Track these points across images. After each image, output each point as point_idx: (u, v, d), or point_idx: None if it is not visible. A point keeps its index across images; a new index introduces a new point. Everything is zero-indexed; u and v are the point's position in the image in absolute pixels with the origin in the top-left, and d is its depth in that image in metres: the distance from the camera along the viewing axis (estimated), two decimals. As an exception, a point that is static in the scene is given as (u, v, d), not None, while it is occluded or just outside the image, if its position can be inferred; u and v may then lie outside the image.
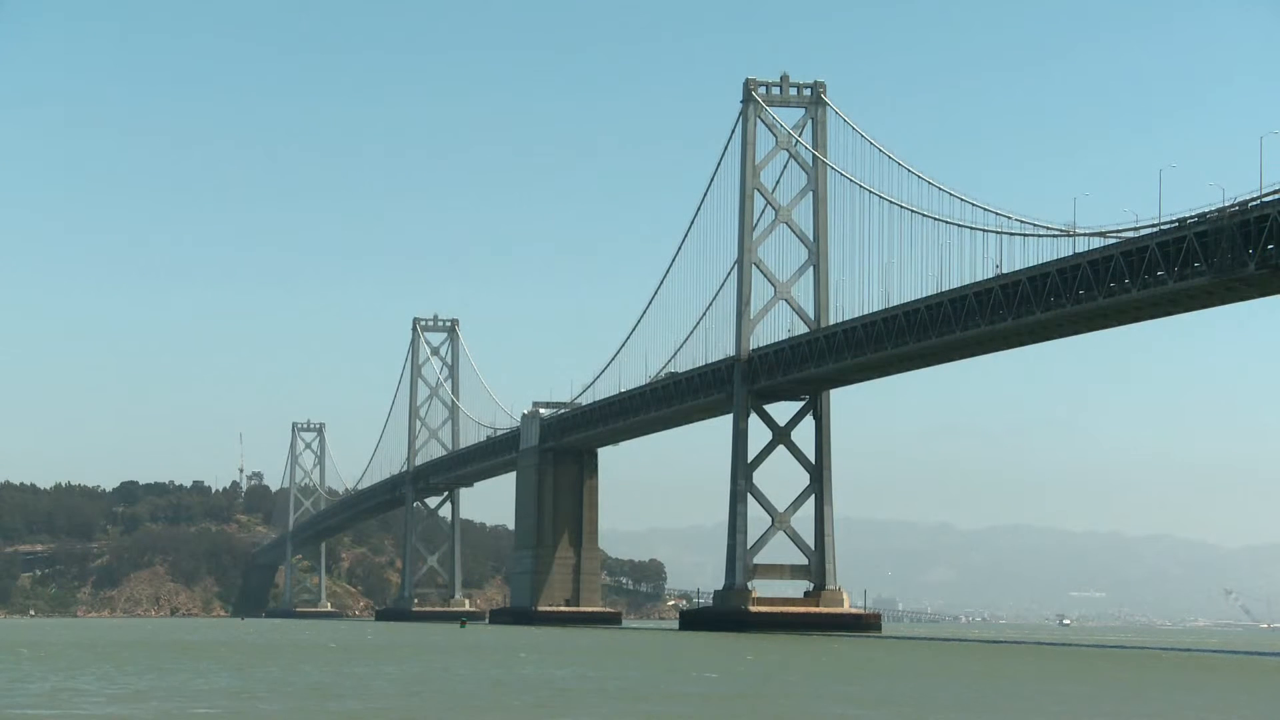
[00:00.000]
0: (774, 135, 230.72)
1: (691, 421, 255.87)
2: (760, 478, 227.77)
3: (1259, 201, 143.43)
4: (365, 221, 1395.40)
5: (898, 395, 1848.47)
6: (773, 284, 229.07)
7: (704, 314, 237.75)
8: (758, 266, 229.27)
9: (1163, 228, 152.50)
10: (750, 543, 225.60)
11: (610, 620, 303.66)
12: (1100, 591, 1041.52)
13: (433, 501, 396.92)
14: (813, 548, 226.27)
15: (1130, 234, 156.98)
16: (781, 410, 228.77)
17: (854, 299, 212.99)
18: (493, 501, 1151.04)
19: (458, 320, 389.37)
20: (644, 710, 73.30)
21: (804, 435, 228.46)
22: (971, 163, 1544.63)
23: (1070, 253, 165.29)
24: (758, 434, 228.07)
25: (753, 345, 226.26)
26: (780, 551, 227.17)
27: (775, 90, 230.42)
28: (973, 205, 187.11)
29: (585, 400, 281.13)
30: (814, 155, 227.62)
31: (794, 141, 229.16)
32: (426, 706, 74.74)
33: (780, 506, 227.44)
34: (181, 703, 75.31)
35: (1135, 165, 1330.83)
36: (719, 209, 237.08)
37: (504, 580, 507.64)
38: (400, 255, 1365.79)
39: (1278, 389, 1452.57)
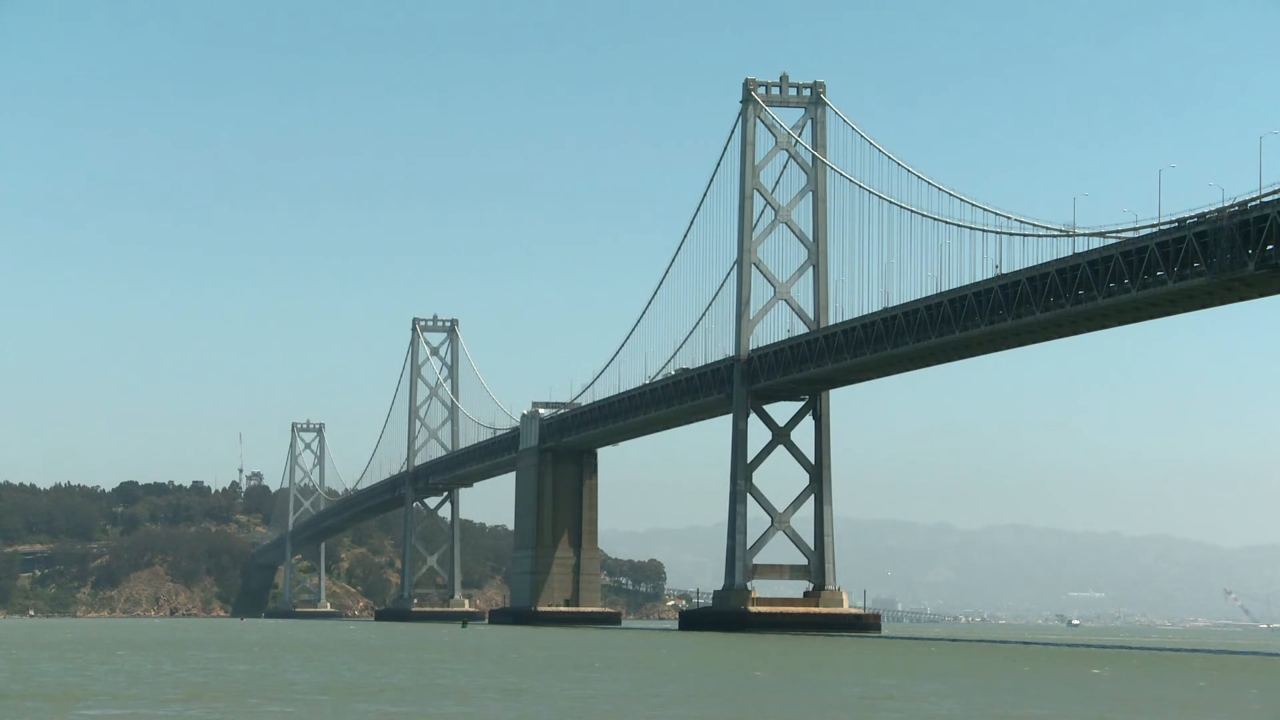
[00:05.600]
0: (774, 135, 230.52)
1: (691, 421, 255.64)
2: (760, 478, 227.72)
3: (1258, 202, 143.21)
4: (365, 221, 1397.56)
5: (898, 395, 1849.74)
6: (772, 284, 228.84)
7: (704, 314, 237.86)
8: (757, 266, 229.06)
9: (1162, 228, 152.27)
10: (750, 543, 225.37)
11: (610, 620, 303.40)
12: (1100, 591, 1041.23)
13: (432, 501, 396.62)
14: (812, 548, 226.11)
15: (1130, 234, 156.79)
16: (781, 410, 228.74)
17: (853, 299, 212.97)
18: (492, 501, 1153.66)
19: (458, 320, 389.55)
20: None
21: (804, 435, 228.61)
22: (971, 163, 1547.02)
23: (1070, 253, 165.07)
24: (757, 434, 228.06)
25: (752, 345, 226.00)
26: (780, 552, 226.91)
27: (775, 90, 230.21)
28: (972, 205, 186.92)
29: (585, 400, 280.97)
30: (814, 155, 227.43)
31: (794, 141, 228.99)
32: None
33: (780, 507, 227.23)
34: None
35: (1135, 165, 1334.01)
36: (719, 209, 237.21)
37: (504, 580, 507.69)
38: (400, 255, 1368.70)
39: (1278, 389, 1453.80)
